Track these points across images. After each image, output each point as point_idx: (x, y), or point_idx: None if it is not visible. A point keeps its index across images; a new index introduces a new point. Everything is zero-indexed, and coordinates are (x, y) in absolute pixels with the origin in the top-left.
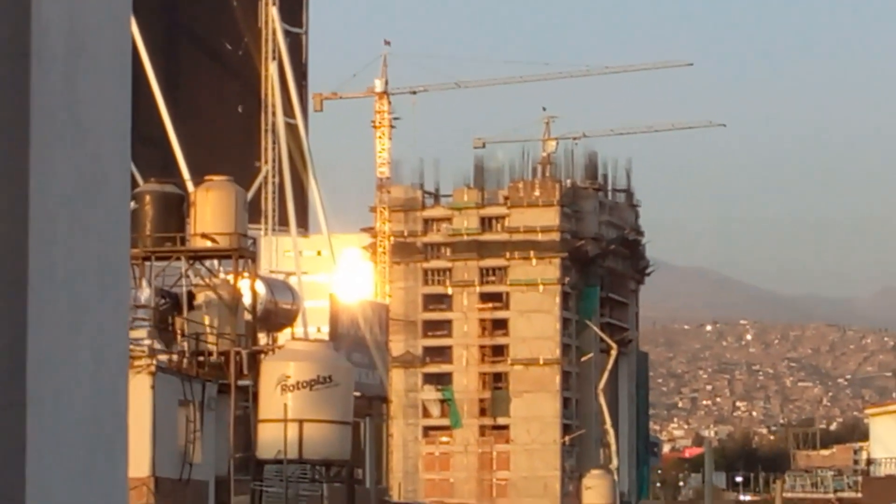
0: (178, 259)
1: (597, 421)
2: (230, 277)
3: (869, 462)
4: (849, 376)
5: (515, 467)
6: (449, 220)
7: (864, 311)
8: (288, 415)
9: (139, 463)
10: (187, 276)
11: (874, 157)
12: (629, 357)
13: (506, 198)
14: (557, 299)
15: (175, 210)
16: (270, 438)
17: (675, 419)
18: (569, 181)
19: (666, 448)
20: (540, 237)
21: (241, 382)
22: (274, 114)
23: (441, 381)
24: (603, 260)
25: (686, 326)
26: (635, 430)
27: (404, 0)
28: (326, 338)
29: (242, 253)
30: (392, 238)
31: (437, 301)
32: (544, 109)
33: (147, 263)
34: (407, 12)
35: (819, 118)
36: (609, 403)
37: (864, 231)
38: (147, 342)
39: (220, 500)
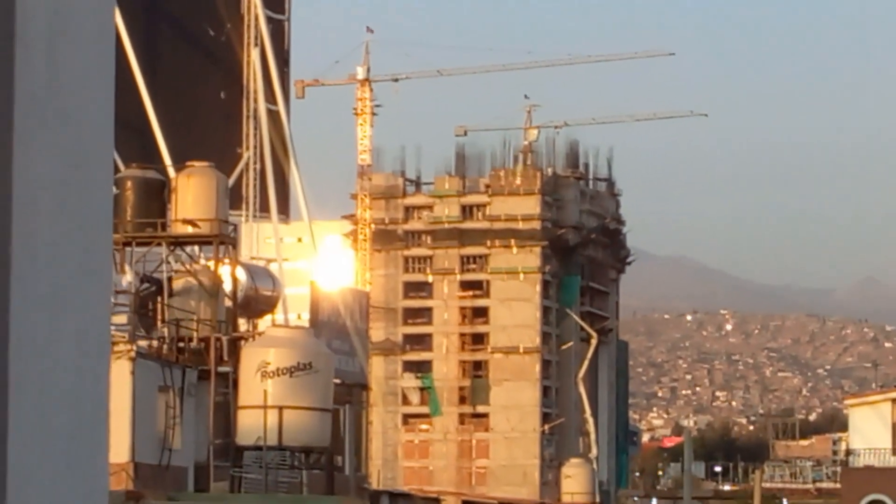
0: (159, 245)
1: (576, 410)
2: (211, 263)
3: (848, 453)
4: (828, 367)
5: (495, 455)
6: (430, 207)
7: (844, 302)
8: (268, 401)
9: (119, 448)
10: (168, 262)
11: (856, 149)
12: (609, 346)
13: (487, 186)
14: (538, 288)
15: (156, 196)
16: (250, 425)
17: (655, 408)
18: (550, 170)
19: (645, 437)
20: (521, 225)
21: (221, 369)
22: (255, 100)
23: (421, 368)
24: (583, 249)
25: (666, 316)
26: (615, 419)
27: None
28: (307, 325)
29: (223, 239)
30: (373, 225)
31: (418, 289)
32: (526, 98)
33: (128, 249)
34: (389, 0)
35: (801, 109)
36: (589, 392)
37: (844, 221)
38: (127, 328)
39: (199, 486)
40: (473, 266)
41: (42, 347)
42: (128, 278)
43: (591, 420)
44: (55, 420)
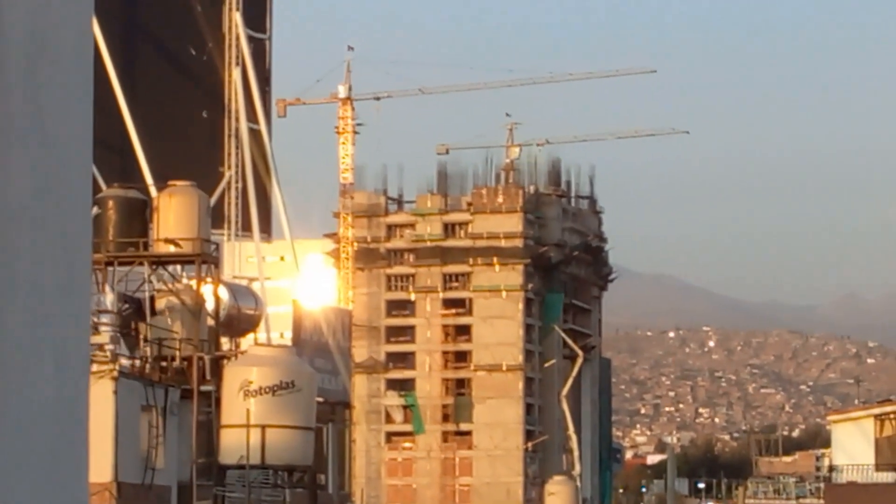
0: (141, 264)
1: (560, 427)
2: (193, 283)
3: (831, 469)
4: (811, 383)
5: (478, 473)
6: (412, 226)
7: (826, 319)
8: (250, 420)
9: (101, 468)
10: (150, 282)
11: (837, 166)
12: (592, 363)
13: (469, 204)
14: (520, 305)
15: (138, 215)
16: (233, 444)
17: (638, 425)
18: (532, 188)
19: (628, 454)
20: (503, 243)
21: (203, 388)
22: (237, 119)
23: (404, 386)
24: (566, 266)
25: (649, 333)
26: (598, 437)
27: (368, 6)
28: (289, 343)
29: (205, 258)
30: (355, 244)
31: (401, 307)
32: (508, 116)
33: (110, 268)
34: (371, 18)
35: (782, 126)
36: (572, 409)
37: (826, 238)
38: (109, 347)
39: None
40: (456, 284)
41: (22, 366)
42: (110, 298)
43: (574, 437)
44: (36, 439)
